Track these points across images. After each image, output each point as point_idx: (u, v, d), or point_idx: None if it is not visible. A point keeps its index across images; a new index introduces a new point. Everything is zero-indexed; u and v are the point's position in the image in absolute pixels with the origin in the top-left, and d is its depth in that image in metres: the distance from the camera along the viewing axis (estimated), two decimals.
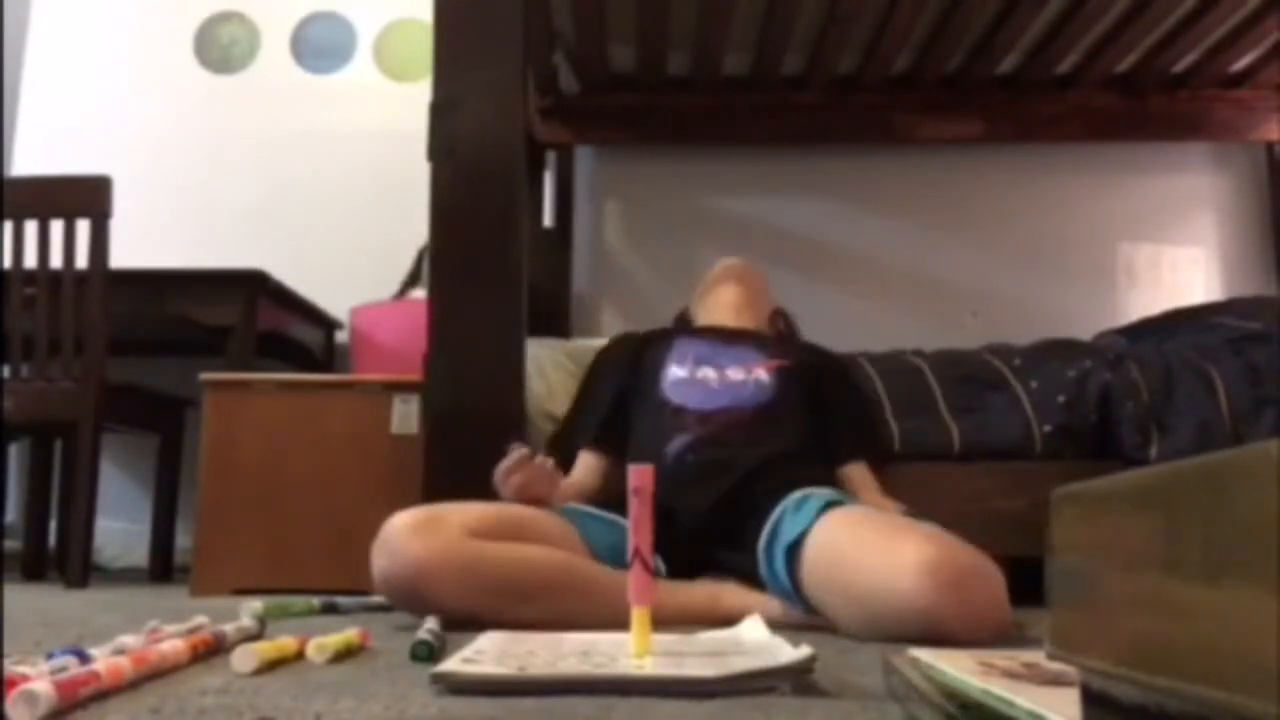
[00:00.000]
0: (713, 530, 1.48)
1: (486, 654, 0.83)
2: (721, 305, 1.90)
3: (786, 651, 0.78)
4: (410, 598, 1.21)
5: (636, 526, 0.83)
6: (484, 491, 1.48)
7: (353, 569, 1.94)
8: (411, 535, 1.22)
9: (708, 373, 1.69)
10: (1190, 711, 0.29)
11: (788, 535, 1.32)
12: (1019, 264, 3.07)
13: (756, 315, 1.91)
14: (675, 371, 1.71)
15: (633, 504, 0.84)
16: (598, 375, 1.87)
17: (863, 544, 1.21)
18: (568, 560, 1.32)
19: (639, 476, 0.84)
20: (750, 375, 1.68)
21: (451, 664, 0.76)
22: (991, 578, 1.13)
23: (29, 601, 1.73)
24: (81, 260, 2.18)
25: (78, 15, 3.34)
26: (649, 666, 0.78)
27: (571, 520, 1.45)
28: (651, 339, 1.86)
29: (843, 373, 1.88)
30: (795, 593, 1.30)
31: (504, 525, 1.32)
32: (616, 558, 1.30)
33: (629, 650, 0.84)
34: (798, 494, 1.41)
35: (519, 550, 1.27)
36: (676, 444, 1.58)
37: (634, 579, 0.83)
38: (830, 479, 1.59)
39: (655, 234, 3.12)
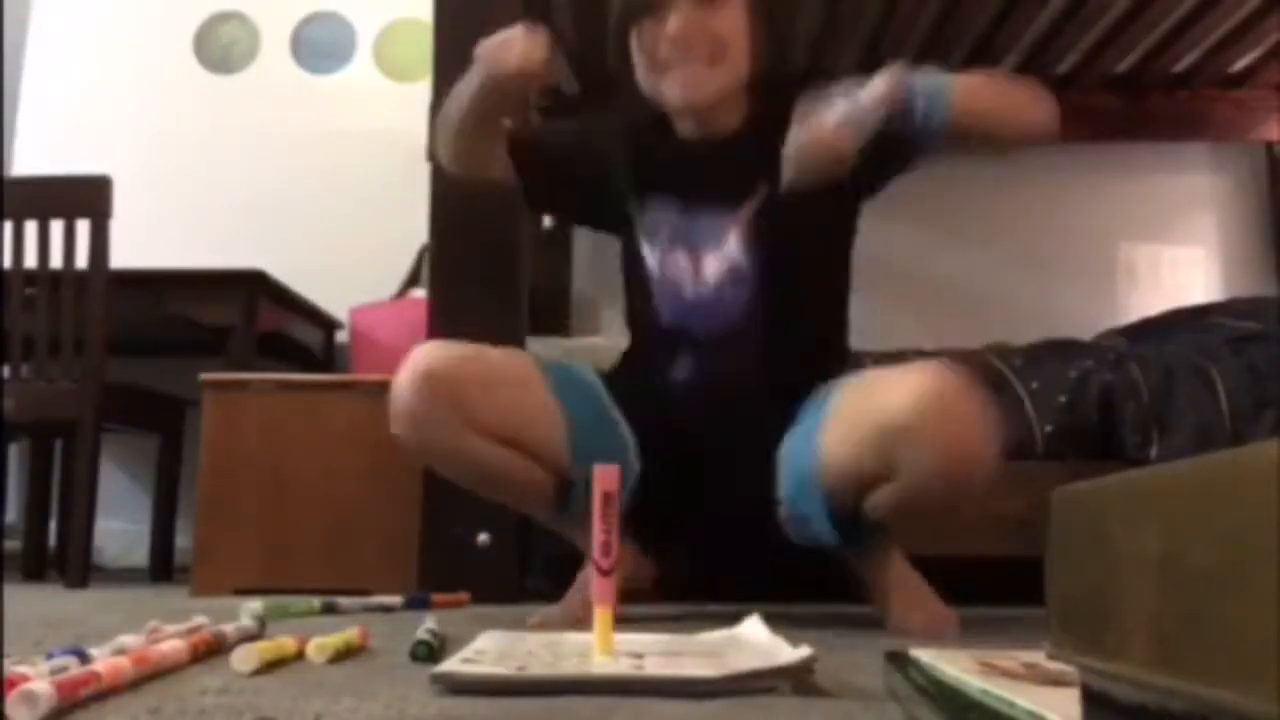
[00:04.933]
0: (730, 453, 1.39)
1: (486, 654, 0.83)
2: (676, 106, 1.40)
3: (786, 651, 0.78)
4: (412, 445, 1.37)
5: (599, 527, 0.83)
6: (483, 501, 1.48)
7: (353, 569, 1.95)
8: (410, 410, 1.32)
9: (680, 263, 1.41)
10: (1190, 711, 0.29)
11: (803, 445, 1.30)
12: (1019, 264, 3.07)
13: (725, 77, 1.37)
14: (649, 254, 1.44)
15: (597, 506, 0.84)
16: (584, 147, 1.54)
17: (872, 387, 1.27)
18: (539, 493, 1.39)
19: (605, 480, 0.84)
20: (725, 261, 1.38)
21: (451, 664, 0.76)
22: (976, 407, 1.19)
23: (29, 601, 1.73)
24: (81, 260, 2.17)
25: (77, 15, 3.34)
26: (649, 667, 0.78)
27: (563, 403, 1.37)
28: (635, 165, 1.48)
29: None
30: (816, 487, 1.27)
31: (507, 425, 1.33)
32: (595, 439, 1.36)
33: (630, 650, 0.84)
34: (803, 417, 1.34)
35: (502, 465, 1.34)
36: (678, 371, 1.42)
37: (596, 583, 0.83)
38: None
39: None
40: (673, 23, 1.31)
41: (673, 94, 1.35)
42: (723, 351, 1.38)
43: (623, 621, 0.88)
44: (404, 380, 1.31)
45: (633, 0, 1.37)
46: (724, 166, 1.41)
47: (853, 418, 1.24)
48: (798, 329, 1.39)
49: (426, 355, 1.31)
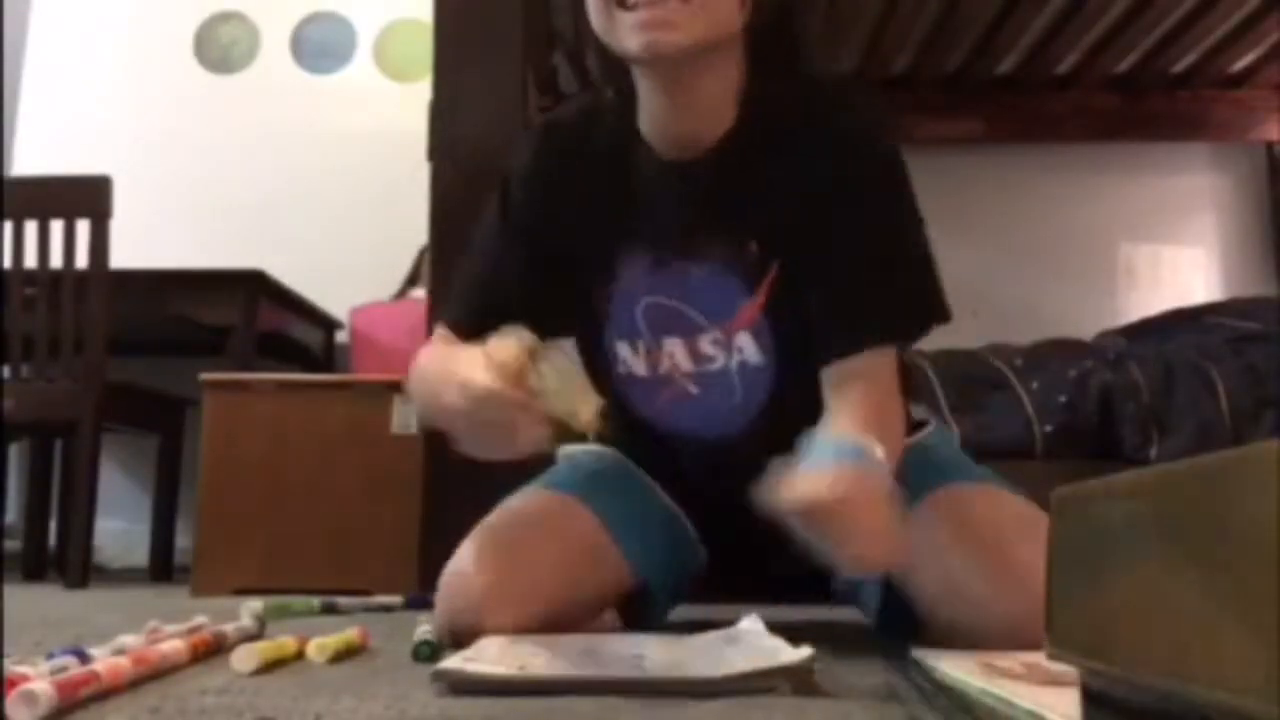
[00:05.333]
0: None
1: (486, 653, 0.83)
2: (635, 53, 0.93)
3: (786, 651, 0.78)
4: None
5: None
6: (485, 491, 1.47)
7: (353, 569, 1.95)
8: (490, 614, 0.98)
9: (676, 353, 1.04)
10: (1190, 712, 0.29)
11: None
12: (1019, 264, 3.07)
13: (704, 21, 0.90)
14: (621, 348, 1.07)
15: None
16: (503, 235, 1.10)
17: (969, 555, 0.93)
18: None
19: None
20: (731, 349, 1.03)
21: (452, 663, 0.76)
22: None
23: (29, 601, 1.73)
24: (81, 260, 2.17)
25: (77, 16, 3.34)
26: (649, 667, 0.78)
27: (611, 528, 1.07)
28: (593, 220, 1.04)
29: (859, 176, 0.98)
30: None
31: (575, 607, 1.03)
32: (659, 554, 1.09)
33: (630, 650, 0.84)
34: None
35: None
36: (674, 471, 1.15)
37: None
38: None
39: None
40: None
41: (632, 39, 0.90)
42: (730, 451, 1.05)
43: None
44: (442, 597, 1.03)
45: None
46: (710, 211, 0.99)
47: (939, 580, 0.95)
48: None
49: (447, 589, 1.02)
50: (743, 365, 1.02)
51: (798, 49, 1.00)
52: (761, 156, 0.97)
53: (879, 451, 0.82)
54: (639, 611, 1.12)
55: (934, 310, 0.98)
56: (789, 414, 0.94)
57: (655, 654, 0.83)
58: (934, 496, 0.98)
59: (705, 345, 1.03)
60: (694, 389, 1.05)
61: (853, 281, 0.96)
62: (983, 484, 1.03)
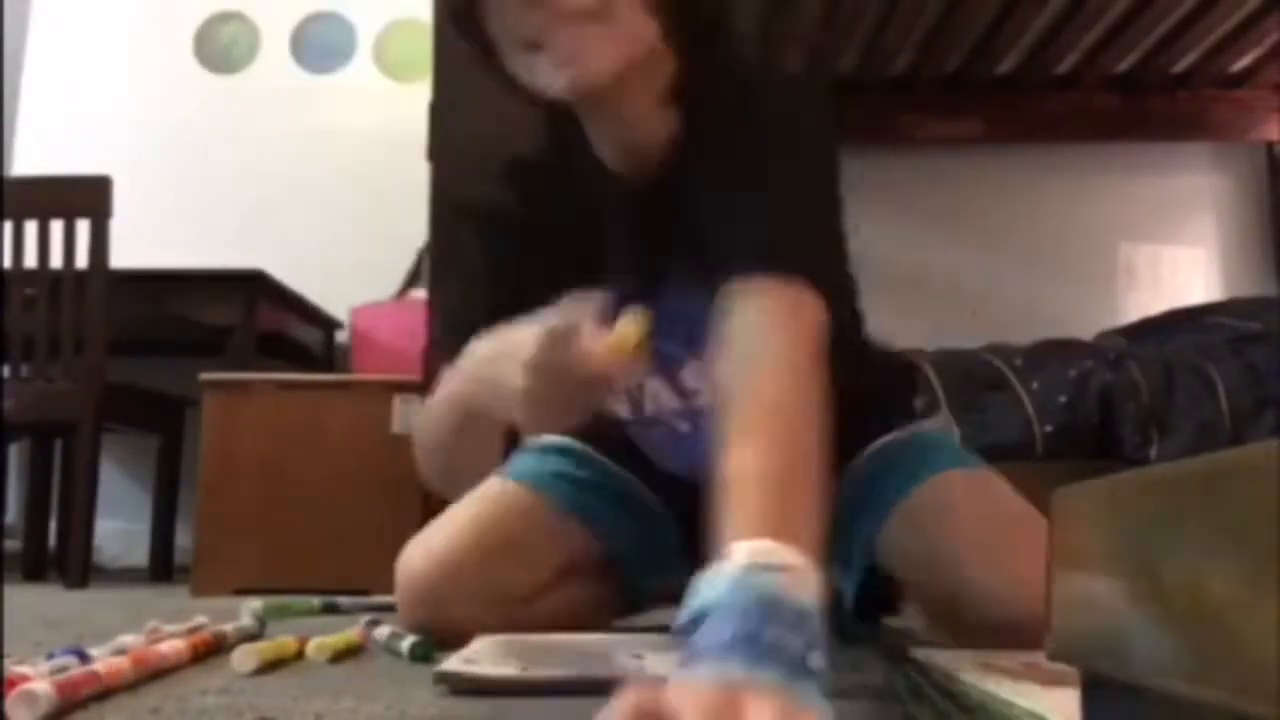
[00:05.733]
0: None
1: (486, 654, 0.83)
2: (563, 91, 0.86)
3: None
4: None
5: None
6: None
7: (353, 569, 1.95)
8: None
9: (660, 394, 1.01)
10: (1191, 712, 0.29)
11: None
12: (1019, 264, 3.07)
13: (624, 37, 0.85)
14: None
15: None
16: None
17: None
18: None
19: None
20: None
21: (452, 664, 0.76)
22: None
23: (29, 601, 1.73)
24: (81, 260, 2.17)
25: (78, 15, 3.34)
26: (650, 666, 0.78)
27: (587, 523, 1.09)
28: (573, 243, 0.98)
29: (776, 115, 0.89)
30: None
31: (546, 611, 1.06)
32: (652, 562, 1.09)
33: (630, 651, 0.84)
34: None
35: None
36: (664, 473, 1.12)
37: None
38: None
39: None
40: None
41: (554, 79, 0.85)
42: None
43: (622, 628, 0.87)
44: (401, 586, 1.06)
45: None
46: (664, 223, 0.93)
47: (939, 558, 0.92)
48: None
49: (407, 570, 1.05)
50: None
51: (724, 40, 0.93)
52: (700, 157, 0.90)
53: (788, 576, 0.53)
54: (622, 584, 1.13)
55: (809, 244, 0.82)
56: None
57: (656, 653, 0.83)
58: (932, 481, 0.96)
59: (689, 379, 0.98)
60: (685, 426, 1.01)
61: (732, 204, 0.85)
62: (981, 471, 1.01)
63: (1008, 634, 0.74)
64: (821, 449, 0.67)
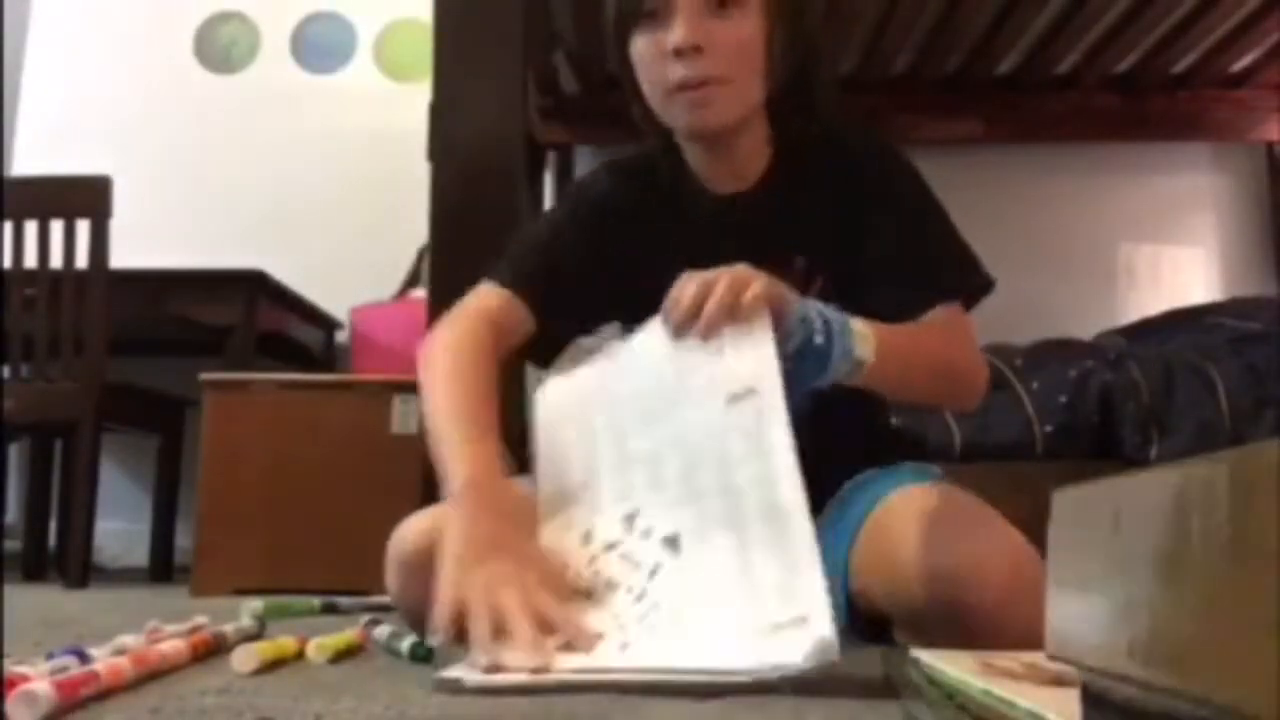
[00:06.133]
0: None
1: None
2: (685, 129, 1.10)
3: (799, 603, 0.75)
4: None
5: None
6: None
7: (353, 569, 1.94)
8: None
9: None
10: (1190, 712, 0.29)
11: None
12: (1019, 264, 3.05)
13: (744, 95, 1.08)
14: None
15: None
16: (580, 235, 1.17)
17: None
18: None
19: None
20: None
21: (452, 673, 0.76)
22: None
23: (29, 601, 1.73)
24: (81, 260, 2.18)
25: (78, 15, 3.34)
26: (642, 657, 0.76)
27: None
28: (653, 247, 1.12)
29: (885, 178, 1.13)
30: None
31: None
32: None
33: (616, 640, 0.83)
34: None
35: None
36: None
37: None
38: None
39: None
40: (678, 29, 1.02)
41: (681, 117, 1.07)
42: None
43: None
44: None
45: (626, 3, 1.08)
46: (758, 234, 1.09)
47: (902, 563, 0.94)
48: (846, 423, 1.06)
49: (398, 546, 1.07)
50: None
51: (815, 105, 1.15)
52: (800, 182, 1.12)
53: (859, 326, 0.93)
54: None
55: (979, 267, 1.15)
56: (833, 423, 1.00)
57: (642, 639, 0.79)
58: (887, 497, 1.02)
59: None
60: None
61: (900, 250, 1.09)
62: (940, 484, 1.06)
63: (980, 620, 0.84)
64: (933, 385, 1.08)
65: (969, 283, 1.14)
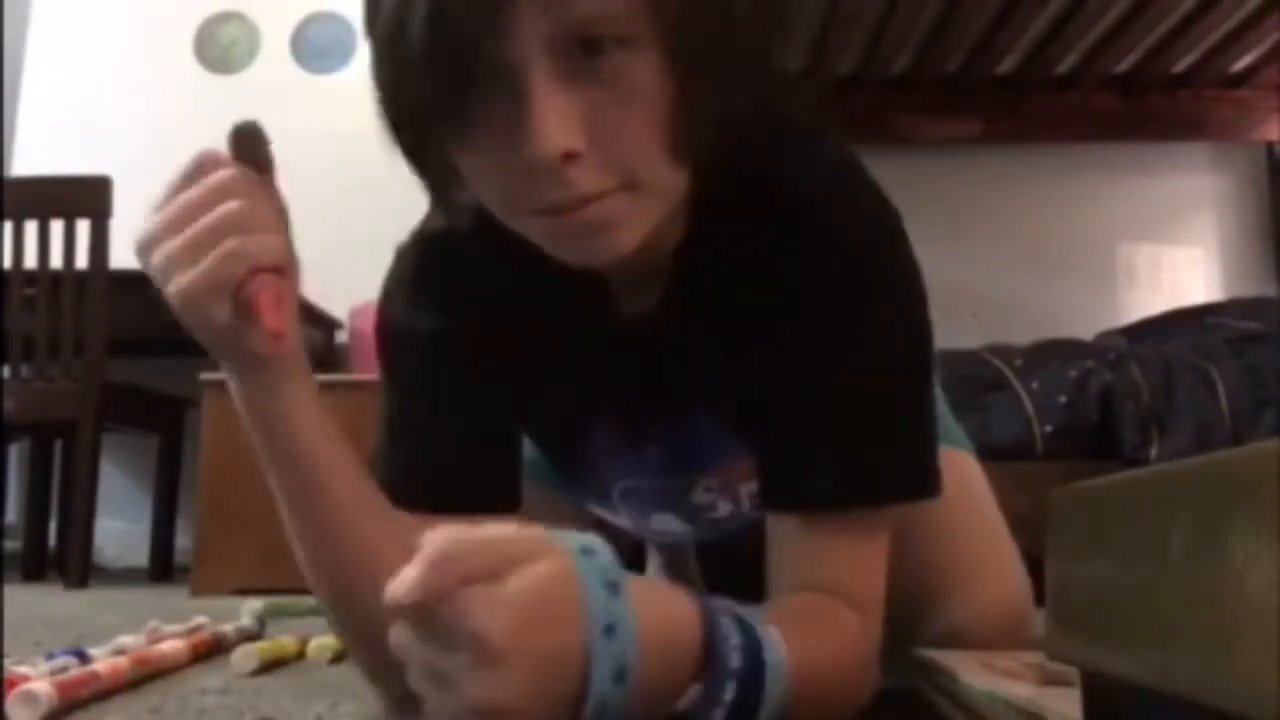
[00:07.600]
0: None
1: None
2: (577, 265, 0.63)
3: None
4: None
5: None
6: None
7: None
8: None
9: (668, 522, 0.90)
10: (1190, 712, 0.29)
11: None
12: (1019, 264, 3.07)
13: (658, 198, 0.61)
14: (600, 512, 0.95)
15: None
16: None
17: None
18: None
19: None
20: (738, 497, 0.85)
21: None
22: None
23: (29, 601, 1.73)
24: (81, 260, 2.17)
25: (78, 15, 3.34)
26: None
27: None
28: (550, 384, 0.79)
29: (844, 302, 0.70)
30: None
31: None
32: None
33: None
34: None
35: None
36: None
37: None
38: None
39: None
40: (535, 130, 0.55)
41: (563, 250, 0.62)
42: (727, 540, 0.93)
43: None
44: None
45: (427, 91, 0.60)
46: (667, 361, 0.75)
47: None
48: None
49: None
50: (752, 498, 0.83)
51: (750, 145, 0.69)
52: (720, 288, 0.71)
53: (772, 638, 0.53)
54: None
55: (931, 466, 0.68)
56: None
57: None
58: None
59: (700, 496, 0.85)
60: (690, 528, 0.92)
61: (831, 418, 0.67)
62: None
63: (972, 616, 0.78)
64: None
65: (909, 490, 0.68)
